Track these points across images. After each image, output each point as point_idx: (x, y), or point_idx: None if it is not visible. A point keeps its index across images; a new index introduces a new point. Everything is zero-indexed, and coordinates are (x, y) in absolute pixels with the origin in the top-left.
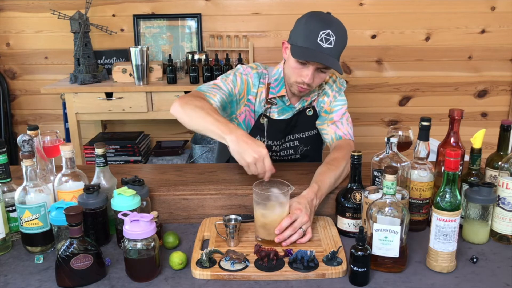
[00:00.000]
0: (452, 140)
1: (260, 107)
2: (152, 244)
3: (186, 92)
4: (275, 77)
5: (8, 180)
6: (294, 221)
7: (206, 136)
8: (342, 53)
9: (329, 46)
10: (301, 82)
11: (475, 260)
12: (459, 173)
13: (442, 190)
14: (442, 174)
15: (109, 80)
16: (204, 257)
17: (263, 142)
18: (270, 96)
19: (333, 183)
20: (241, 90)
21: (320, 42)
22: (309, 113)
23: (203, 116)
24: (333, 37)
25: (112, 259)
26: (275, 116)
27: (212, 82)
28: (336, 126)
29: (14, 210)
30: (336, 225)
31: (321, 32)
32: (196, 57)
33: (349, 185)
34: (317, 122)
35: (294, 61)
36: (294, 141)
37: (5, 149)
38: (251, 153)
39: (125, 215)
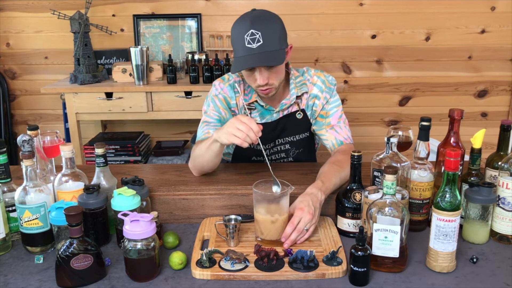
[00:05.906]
0: (452, 140)
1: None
2: (152, 244)
3: (186, 92)
4: (247, 84)
5: (8, 180)
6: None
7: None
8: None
9: (259, 43)
10: (259, 86)
11: (475, 260)
12: (459, 173)
13: (442, 190)
14: (442, 174)
15: (109, 80)
16: (204, 257)
17: (253, 147)
18: (245, 103)
19: (339, 182)
20: (225, 108)
21: (249, 46)
22: (299, 116)
23: (200, 152)
24: (258, 33)
25: (112, 259)
26: (257, 120)
27: (201, 121)
28: (335, 131)
29: (14, 210)
30: (336, 225)
31: (245, 36)
32: (196, 57)
33: (349, 185)
34: (314, 127)
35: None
36: (285, 145)
37: (5, 149)
38: (229, 123)
39: (125, 215)
